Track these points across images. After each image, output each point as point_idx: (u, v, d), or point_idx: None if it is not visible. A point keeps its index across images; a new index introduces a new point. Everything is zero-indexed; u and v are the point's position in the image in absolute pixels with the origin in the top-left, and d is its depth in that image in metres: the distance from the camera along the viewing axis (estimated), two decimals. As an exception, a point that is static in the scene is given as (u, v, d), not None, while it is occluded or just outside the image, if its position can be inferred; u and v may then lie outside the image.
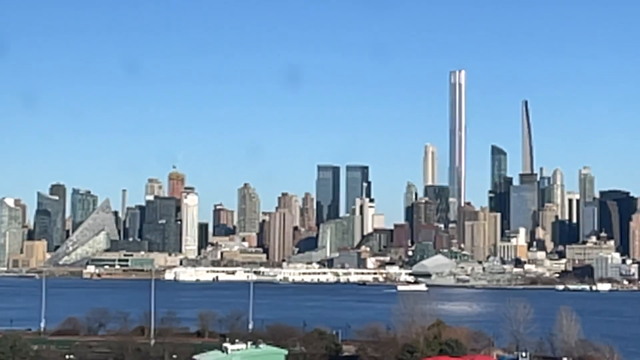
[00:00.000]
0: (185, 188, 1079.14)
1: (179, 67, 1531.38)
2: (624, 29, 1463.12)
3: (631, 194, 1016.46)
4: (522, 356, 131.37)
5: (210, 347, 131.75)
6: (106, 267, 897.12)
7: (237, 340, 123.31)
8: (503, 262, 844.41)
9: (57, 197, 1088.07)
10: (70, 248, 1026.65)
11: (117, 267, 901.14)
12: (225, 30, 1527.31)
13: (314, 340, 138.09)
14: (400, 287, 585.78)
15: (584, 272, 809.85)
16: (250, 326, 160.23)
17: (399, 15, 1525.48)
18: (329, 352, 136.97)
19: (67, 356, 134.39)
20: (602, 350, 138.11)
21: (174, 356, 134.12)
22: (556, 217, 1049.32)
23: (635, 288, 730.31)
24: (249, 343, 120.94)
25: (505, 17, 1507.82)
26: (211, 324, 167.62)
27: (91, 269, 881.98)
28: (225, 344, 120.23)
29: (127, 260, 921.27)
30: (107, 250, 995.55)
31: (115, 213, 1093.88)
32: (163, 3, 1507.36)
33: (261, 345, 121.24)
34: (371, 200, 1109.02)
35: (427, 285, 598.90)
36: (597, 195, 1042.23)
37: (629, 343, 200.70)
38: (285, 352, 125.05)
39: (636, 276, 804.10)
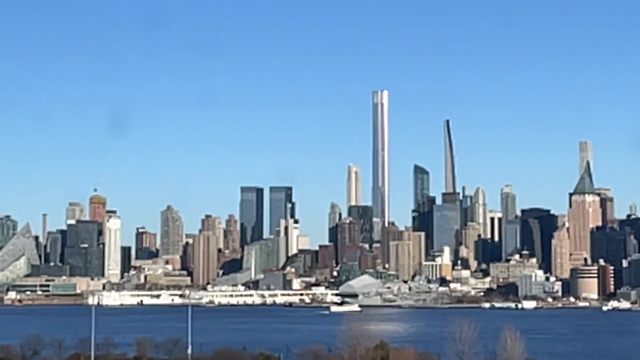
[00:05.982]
0: (107, 211, 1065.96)
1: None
2: (544, 50, 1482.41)
3: (552, 212, 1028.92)
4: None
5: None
6: (27, 292, 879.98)
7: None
8: (429, 281, 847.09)
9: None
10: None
11: (39, 292, 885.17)
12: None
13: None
14: (333, 308, 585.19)
15: (509, 290, 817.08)
16: (189, 351, 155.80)
17: (321, 35, 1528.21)
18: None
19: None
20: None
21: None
22: (479, 235, 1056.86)
23: (559, 305, 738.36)
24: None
25: (427, 37, 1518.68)
26: (148, 349, 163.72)
27: (12, 294, 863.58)
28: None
29: (48, 286, 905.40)
30: (27, 276, 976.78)
31: (36, 238, 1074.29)
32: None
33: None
34: (295, 221, 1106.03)
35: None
36: (518, 214, 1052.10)
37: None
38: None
39: (559, 293, 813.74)
